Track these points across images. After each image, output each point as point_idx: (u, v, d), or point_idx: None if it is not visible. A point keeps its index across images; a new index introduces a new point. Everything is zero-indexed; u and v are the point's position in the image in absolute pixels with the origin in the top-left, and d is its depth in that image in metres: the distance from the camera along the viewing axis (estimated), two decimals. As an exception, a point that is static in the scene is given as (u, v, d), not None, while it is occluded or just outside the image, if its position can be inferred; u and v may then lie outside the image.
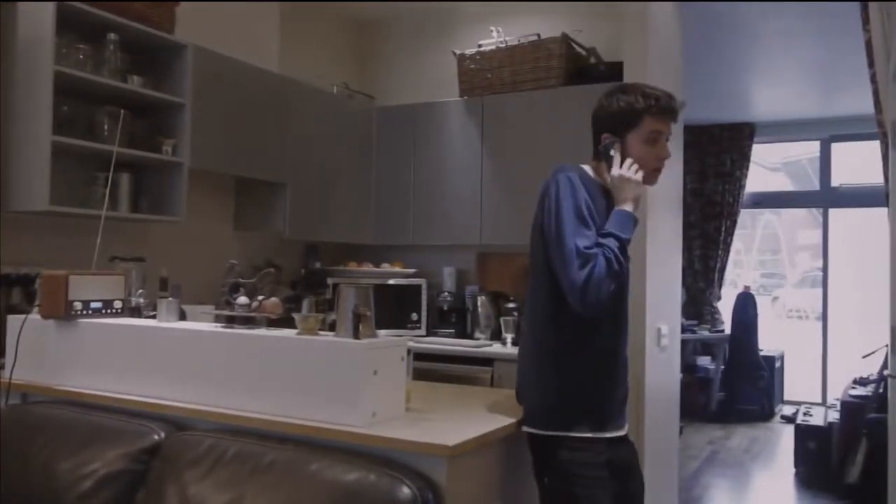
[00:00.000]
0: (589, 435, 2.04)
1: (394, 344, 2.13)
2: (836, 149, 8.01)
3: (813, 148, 8.23)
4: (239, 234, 4.37)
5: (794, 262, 11.02)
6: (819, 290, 8.32)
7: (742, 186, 8.17)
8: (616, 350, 2.14)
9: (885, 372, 4.72)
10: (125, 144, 3.30)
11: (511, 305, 4.31)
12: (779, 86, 6.69)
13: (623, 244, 2.00)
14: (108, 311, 2.58)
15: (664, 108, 2.08)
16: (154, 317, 2.58)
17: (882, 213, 3.66)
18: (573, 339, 2.08)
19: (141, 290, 2.87)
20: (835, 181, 8.05)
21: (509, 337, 4.21)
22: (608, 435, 2.07)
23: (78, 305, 2.49)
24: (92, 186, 3.37)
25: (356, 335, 2.03)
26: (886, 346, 4.87)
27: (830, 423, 5.37)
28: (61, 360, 2.52)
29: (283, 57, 4.51)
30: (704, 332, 7.84)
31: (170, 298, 2.51)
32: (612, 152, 2.09)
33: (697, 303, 8.14)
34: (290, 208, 4.23)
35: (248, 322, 2.29)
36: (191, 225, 3.80)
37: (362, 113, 4.92)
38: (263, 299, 2.31)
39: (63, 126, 3.14)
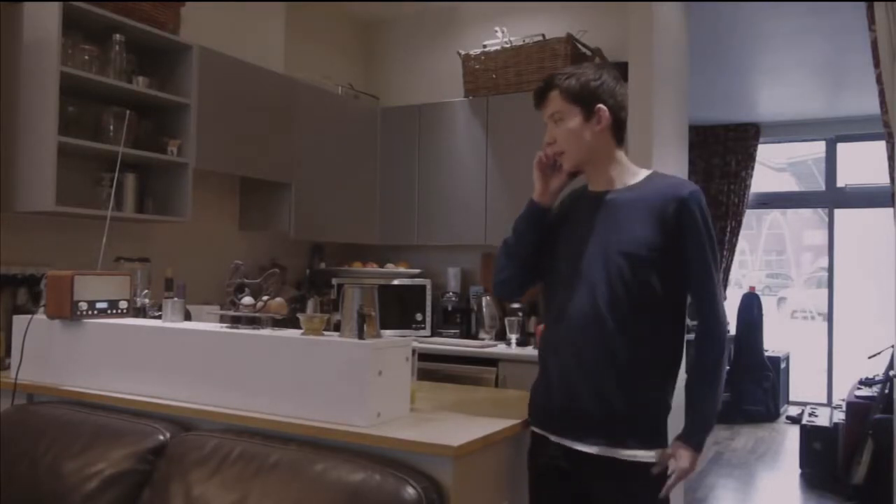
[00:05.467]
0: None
1: (398, 344, 2.13)
2: (842, 149, 7.99)
3: (818, 148, 8.21)
4: (244, 234, 4.37)
5: (799, 263, 11.00)
6: (825, 291, 8.29)
7: (747, 187, 8.15)
8: (550, 341, 2.07)
9: (891, 372, 4.72)
10: (130, 145, 3.31)
11: (516, 306, 4.31)
12: (784, 86, 6.68)
13: (514, 226, 2.18)
14: (114, 311, 2.58)
15: (534, 101, 2.13)
16: (159, 317, 2.59)
17: (888, 213, 3.65)
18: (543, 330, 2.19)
19: (146, 291, 2.88)
20: (840, 181, 8.03)
21: (514, 337, 4.20)
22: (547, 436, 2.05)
23: (83, 306, 2.49)
24: (97, 187, 3.38)
25: (361, 335, 2.03)
26: (892, 346, 4.88)
27: (836, 424, 5.36)
28: (67, 360, 2.53)
29: (289, 57, 4.51)
30: (709, 333, 7.80)
31: (175, 298, 2.52)
32: None
33: (703, 303, 8.10)
34: (294, 209, 4.24)
35: (253, 322, 2.29)
36: (196, 225, 3.81)
37: (367, 113, 4.92)
38: (268, 299, 2.31)
39: (69, 126, 3.15)
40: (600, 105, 2.01)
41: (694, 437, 1.96)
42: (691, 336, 2.08)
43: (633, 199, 2.00)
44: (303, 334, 2.17)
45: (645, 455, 1.92)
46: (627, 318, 1.92)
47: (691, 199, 1.94)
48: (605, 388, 1.93)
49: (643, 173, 2.07)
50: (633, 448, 1.92)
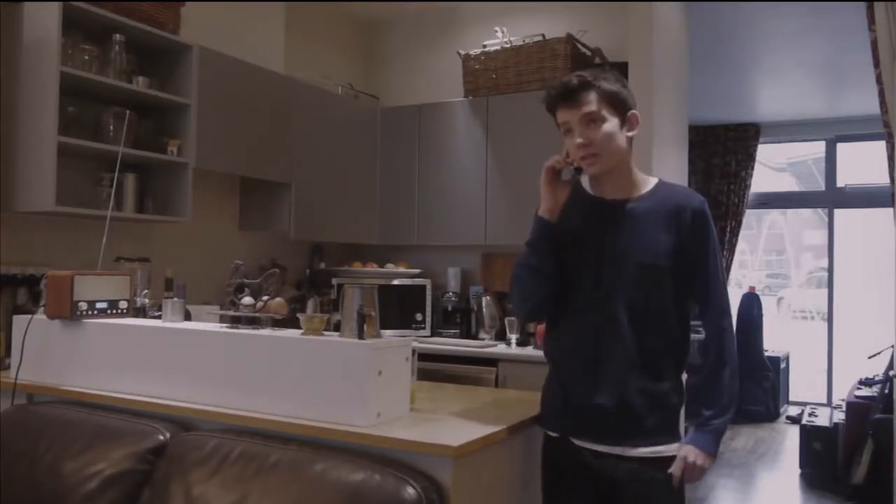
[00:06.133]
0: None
1: (398, 344, 2.13)
2: (842, 149, 7.99)
3: (818, 148, 8.21)
4: (244, 234, 4.37)
5: (799, 263, 11.00)
6: (824, 291, 8.29)
7: (747, 187, 8.15)
8: (565, 346, 2.11)
9: (891, 372, 4.71)
10: (130, 145, 3.31)
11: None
12: (784, 86, 6.68)
13: (528, 246, 2.10)
14: (114, 311, 2.58)
15: (554, 97, 2.03)
16: (159, 317, 2.59)
17: (888, 213, 3.66)
18: (547, 338, 2.21)
19: (146, 291, 2.88)
20: (840, 181, 8.03)
21: (514, 337, 4.20)
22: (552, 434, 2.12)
23: (83, 306, 2.49)
24: (97, 187, 3.38)
25: (361, 335, 2.03)
26: (892, 346, 4.88)
27: (836, 424, 5.36)
28: (67, 360, 2.53)
29: (289, 57, 4.51)
30: (709, 333, 7.79)
31: (175, 298, 2.52)
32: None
33: (702, 303, 8.10)
34: (294, 209, 4.23)
35: (253, 322, 2.29)
36: (196, 225, 3.81)
37: (367, 113, 4.92)
38: (268, 299, 2.31)
39: (69, 126, 3.15)
40: (634, 112, 2.03)
41: (710, 447, 2.03)
42: (695, 336, 2.11)
43: (650, 208, 2.03)
44: (303, 334, 2.17)
45: (666, 449, 2.00)
46: (642, 318, 1.99)
47: (704, 208, 2.03)
48: (625, 385, 1.98)
49: (652, 181, 2.10)
50: (654, 445, 1.99)
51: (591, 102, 1.97)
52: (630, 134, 2.03)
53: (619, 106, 2.00)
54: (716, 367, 2.03)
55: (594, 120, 1.97)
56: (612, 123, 1.98)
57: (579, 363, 2.04)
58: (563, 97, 2.00)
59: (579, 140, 1.98)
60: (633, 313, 1.98)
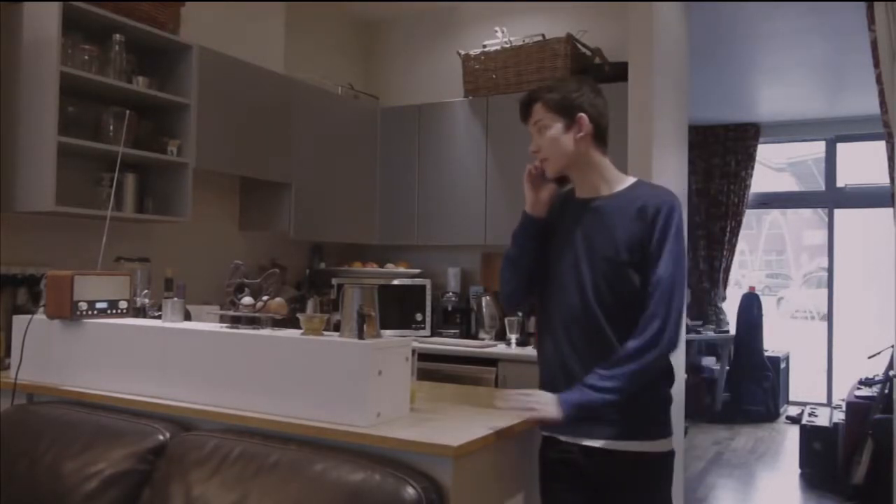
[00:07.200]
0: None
1: (398, 344, 2.13)
2: (842, 149, 7.99)
3: (818, 148, 8.21)
4: (244, 234, 4.37)
5: (799, 263, 11.00)
6: (824, 291, 8.29)
7: (747, 187, 8.16)
8: (545, 345, 2.18)
9: (891, 372, 4.72)
10: (130, 145, 3.31)
11: (516, 306, 4.31)
12: (784, 86, 6.68)
13: (512, 237, 2.25)
14: (114, 311, 2.58)
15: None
16: (159, 317, 2.59)
17: (888, 213, 3.66)
18: (537, 337, 2.30)
19: (146, 291, 2.88)
20: (840, 181, 8.03)
21: (514, 337, 4.20)
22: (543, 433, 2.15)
23: (83, 306, 2.49)
24: (97, 187, 3.38)
25: (361, 335, 2.03)
26: (892, 346, 4.88)
27: (836, 424, 5.36)
28: (67, 360, 2.53)
29: (289, 57, 4.51)
30: (709, 333, 7.81)
31: (175, 298, 2.52)
32: None
33: (702, 303, 8.11)
34: (294, 209, 4.23)
35: (253, 322, 2.29)
36: (196, 225, 3.81)
37: (367, 113, 4.92)
38: (268, 299, 2.31)
39: (69, 126, 3.14)
40: (581, 114, 2.10)
41: (567, 402, 1.98)
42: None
43: (617, 206, 2.09)
44: (303, 334, 2.17)
45: (651, 445, 2.04)
46: (614, 310, 2.03)
47: (669, 206, 2.04)
48: None
49: (628, 180, 2.16)
50: (637, 439, 2.02)
51: (537, 112, 2.16)
52: (580, 135, 2.10)
53: (564, 111, 2.11)
54: (643, 346, 1.96)
55: (541, 128, 2.15)
56: (555, 129, 2.11)
57: (561, 360, 2.09)
58: (520, 112, 2.23)
59: (531, 147, 2.19)
60: (606, 308, 2.03)
